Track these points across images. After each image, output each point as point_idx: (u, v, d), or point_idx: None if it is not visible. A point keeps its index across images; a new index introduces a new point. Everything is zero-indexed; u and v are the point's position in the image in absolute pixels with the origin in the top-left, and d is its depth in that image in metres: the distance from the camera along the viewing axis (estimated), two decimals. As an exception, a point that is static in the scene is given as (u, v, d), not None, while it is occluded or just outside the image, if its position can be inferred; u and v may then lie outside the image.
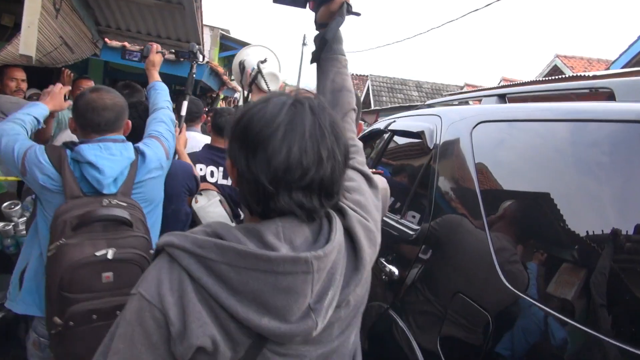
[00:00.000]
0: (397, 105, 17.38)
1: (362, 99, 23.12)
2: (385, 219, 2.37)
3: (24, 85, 3.64)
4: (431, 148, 2.16)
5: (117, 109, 1.84)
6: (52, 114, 2.28)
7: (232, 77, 3.04)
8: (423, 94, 22.02)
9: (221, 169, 2.67)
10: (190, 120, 3.33)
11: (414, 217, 2.16)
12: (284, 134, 0.85)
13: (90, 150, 1.73)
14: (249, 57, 2.56)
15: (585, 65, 15.29)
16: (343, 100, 1.28)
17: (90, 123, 1.80)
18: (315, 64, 1.40)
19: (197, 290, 0.81)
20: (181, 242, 0.83)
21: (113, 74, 7.89)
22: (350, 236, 0.96)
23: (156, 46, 2.48)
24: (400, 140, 2.87)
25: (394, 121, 3.04)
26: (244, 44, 10.85)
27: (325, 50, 1.36)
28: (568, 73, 14.39)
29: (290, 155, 0.84)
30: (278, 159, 0.84)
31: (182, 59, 2.58)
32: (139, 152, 1.88)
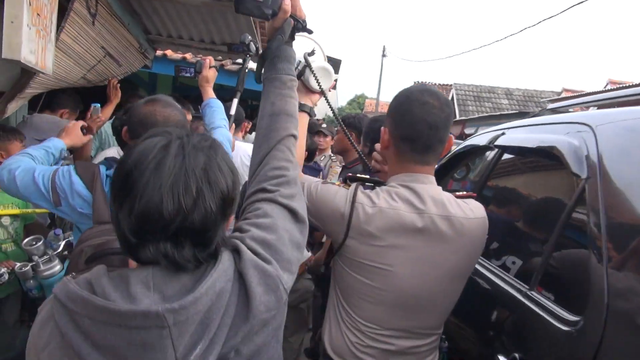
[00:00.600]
0: (486, 114, 16.14)
1: None
2: (490, 282, 1.65)
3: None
4: (580, 174, 1.32)
5: (168, 125, 1.59)
6: (90, 130, 2.26)
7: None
8: (514, 102, 20.64)
9: None
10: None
11: (561, 291, 1.33)
12: (148, 181, 0.81)
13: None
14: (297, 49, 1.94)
15: None
16: (279, 125, 1.20)
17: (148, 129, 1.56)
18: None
19: (62, 346, 0.81)
20: (59, 293, 0.81)
21: (183, 90, 7.63)
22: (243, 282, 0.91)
23: (209, 60, 2.34)
24: (513, 159, 2.02)
25: (502, 133, 2.19)
26: None
27: (268, 70, 1.28)
28: None
29: (150, 205, 0.80)
30: (138, 208, 0.81)
31: (234, 52, 2.48)
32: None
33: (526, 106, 20.13)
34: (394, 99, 1.51)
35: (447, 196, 1.43)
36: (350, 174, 1.54)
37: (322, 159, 5.11)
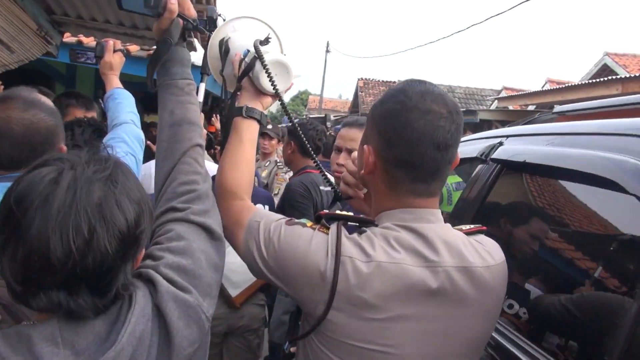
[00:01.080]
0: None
1: None
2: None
3: None
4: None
5: (35, 138, 1.24)
6: None
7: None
8: (456, 99, 19.41)
9: None
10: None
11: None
12: (32, 220, 0.71)
13: None
14: (238, 34, 1.43)
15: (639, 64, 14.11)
16: (182, 135, 1.10)
17: None
18: None
19: None
20: None
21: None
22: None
23: (113, 42, 2.01)
24: (528, 178, 1.56)
25: (500, 144, 1.73)
26: None
27: (161, 75, 1.17)
28: (621, 72, 13.35)
29: (35, 248, 0.71)
30: (22, 252, 0.71)
31: (197, 32, 1.54)
32: None
33: (467, 104, 20.49)
34: (380, 104, 1.08)
35: (459, 237, 1.06)
36: (325, 211, 1.09)
37: (266, 164, 4.55)
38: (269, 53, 1.24)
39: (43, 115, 1.27)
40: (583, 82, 7.17)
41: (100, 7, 3.10)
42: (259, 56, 1.20)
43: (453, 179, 5.72)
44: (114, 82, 1.97)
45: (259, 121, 1.24)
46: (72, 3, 3.09)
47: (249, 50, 1.26)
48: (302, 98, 51.46)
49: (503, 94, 16.22)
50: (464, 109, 12.12)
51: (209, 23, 1.52)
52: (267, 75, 1.20)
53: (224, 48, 1.39)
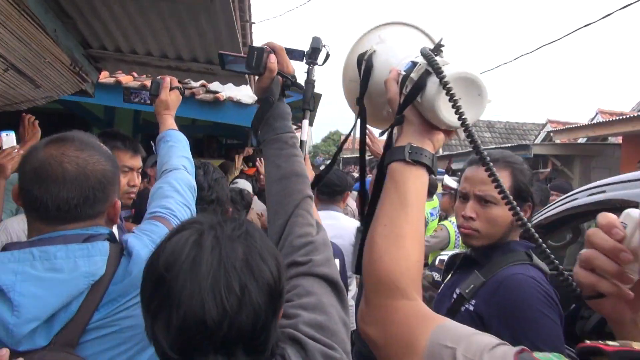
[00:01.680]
0: (462, 151, 15.49)
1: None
2: None
3: None
4: None
5: (89, 181, 1.08)
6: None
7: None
8: (496, 135, 20.29)
9: None
10: (330, 194, 2.92)
11: None
12: (184, 285, 0.72)
13: (8, 266, 0.98)
14: (386, 46, 1.08)
15: None
16: (292, 188, 1.11)
17: (35, 204, 1.06)
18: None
19: None
20: None
21: (149, 129, 6.46)
22: None
23: (170, 79, 1.82)
24: None
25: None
26: (296, 90, 9.46)
27: (265, 131, 1.19)
28: None
29: (190, 313, 0.71)
30: (177, 319, 0.71)
31: (296, 88, 1.40)
32: (123, 253, 1.10)
33: (509, 139, 19.74)
34: None
35: None
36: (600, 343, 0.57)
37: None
38: (450, 65, 0.84)
39: (100, 157, 1.12)
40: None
41: (143, 38, 2.70)
42: (434, 69, 0.82)
43: (431, 205, 5.03)
44: (169, 123, 1.78)
45: (429, 168, 0.88)
46: (111, 35, 2.69)
47: (414, 63, 0.89)
48: (333, 139, 51.47)
49: (548, 127, 15.42)
50: (517, 144, 11.45)
51: (313, 55, 1.38)
52: (448, 98, 0.81)
53: (366, 64, 1.07)
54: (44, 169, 1.05)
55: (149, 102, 1.88)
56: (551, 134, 14.90)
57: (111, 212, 1.17)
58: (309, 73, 1.53)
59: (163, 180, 1.52)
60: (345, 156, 29.54)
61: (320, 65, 1.42)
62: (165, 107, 1.78)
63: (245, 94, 4.10)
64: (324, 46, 1.48)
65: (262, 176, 6.48)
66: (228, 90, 4.17)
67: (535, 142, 15.22)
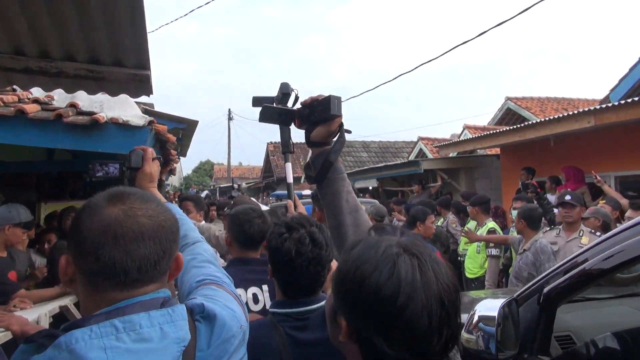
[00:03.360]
0: (354, 170, 15.59)
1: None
2: None
3: None
4: None
5: (165, 234, 1.00)
6: None
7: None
8: (372, 154, 20.94)
9: (265, 288, 2.27)
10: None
11: None
12: (417, 298, 0.83)
13: (94, 342, 0.88)
14: None
15: (539, 105, 15.16)
16: (361, 219, 1.37)
17: (112, 269, 0.94)
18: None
19: None
20: None
21: (61, 166, 4.99)
22: None
23: (151, 151, 1.68)
24: None
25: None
26: (170, 118, 8.42)
27: (331, 171, 1.38)
28: (525, 114, 14.03)
29: (427, 322, 0.83)
30: (419, 329, 0.82)
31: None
32: (202, 318, 1.04)
33: (384, 157, 20.46)
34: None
35: None
36: None
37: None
38: None
39: (164, 207, 1.05)
40: (550, 118, 7.01)
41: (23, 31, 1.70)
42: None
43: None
44: (158, 196, 1.56)
45: None
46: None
47: None
48: (205, 169, 49.53)
49: (420, 144, 16.17)
50: (407, 161, 11.65)
51: (283, 100, 1.61)
52: None
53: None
54: (118, 227, 0.94)
55: (116, 174, 1.69)
56: (424, 150, 15.74)
57: (173, 267, 1.06)
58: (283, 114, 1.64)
59: (192, 252, 1.44)
60: (222, 185, 28.23)
61: (291, 108, 1.52)
62: (150, 179, 1.65)
63: (133, 114, 3.15)
64: (293, 90, 1.61)
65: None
66: (109, 111, 3.19)
67: (410, 158, 15.91)
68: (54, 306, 3.09)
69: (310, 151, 1.53)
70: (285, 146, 1.80)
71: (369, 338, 0.84)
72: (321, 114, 1.38)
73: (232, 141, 35.76)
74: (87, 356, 0.85)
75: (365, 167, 13.28)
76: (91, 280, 0.95)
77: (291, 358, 1.44)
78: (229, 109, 31.13)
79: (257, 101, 1.65)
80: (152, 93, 2.14)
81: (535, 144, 8.17)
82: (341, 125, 1.38)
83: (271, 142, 26.15)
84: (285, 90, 1.61)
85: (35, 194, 5.96)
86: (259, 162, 32.73)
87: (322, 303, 1.54)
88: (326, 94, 1.39)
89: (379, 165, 12.85)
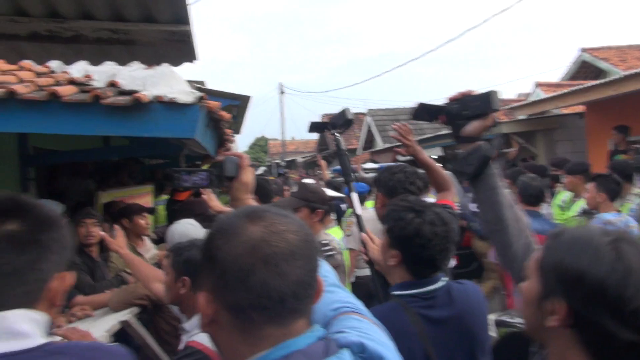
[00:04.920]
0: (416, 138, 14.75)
1: (364, 138, 21.39)
2: None
3: None
4: None
5: (314, 250, 0.89)
6: None
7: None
8: (437, 121, 19.80)
9: None
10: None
11: None
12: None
13: None
14: None
15: (619, 55, 13.66)
16: (519, 213, 1.40)
17: (260, 299, 0.80)
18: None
19: None
20: None
21: (40, 159, 4.79)
22: None
23: (246, 157, 1.54)
24: None
25: None
26: (222, 95, 8.01)
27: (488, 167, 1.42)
28: (602, 66, 12.75)
29: None
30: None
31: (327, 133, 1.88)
32: None
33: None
34: None
35: None
36: None
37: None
38: None
39: (301, 222, 0.93)
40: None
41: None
42: None
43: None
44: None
45: None
46: None
47: None
48: (260, 145, 49.79)
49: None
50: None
51: (345, 125, 1.95)
52: None
53: None
54: (266, 246, 0.81)
55: (205, 184, 1.53)
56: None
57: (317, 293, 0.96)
58: (340, 143, 1.95)
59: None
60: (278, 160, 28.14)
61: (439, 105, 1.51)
62: (246, 190, 1.47)
63: (180, 89, 2.68)
64: (351, 117, 1.88)
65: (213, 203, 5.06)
66: (152, 88, 2.74)
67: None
68: (113, 323, 2.76)
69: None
70: (348, 175, 1.89)
71: (596, 321, 0.88)
72: (477, 109, 1.39)
73: (285, 115, 35.51)
74: None
75: (428, 135, 12.43)
76: (241, 316, 0.82)
77: (427, 337, 1.50)
78: (280, 83, 30.74)
79: (314, 127, 1.78)
80: (196, 58, 1.66)
81: (628, 98, 7.14)
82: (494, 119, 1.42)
83: (326, 114, 25.61)
84: (349, 116, 1.77)
85: (94, 183, 5.75)
86: (312, 135, 32.40)
87: (444, 281, 1.67)
88: (476, 89, 1.41)
89: (444, 132, 11.98)
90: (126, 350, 1.08)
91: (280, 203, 3.25)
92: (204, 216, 3.51)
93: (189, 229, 3.03)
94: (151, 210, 4.77)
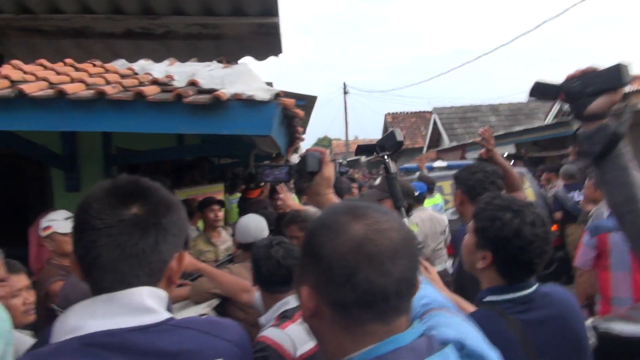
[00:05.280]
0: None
1: (429, 136, 20.99)
2: None
3: None
4: None
5: (414, 247, 0.90)
6: None
7: None
8: (502, 117, 19.17)
9: None
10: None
11: None
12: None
13: None
14: None
15: None
16: None
17: (365, 297, 0.82)
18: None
19: None
20: None
21: (123, 158, 5.03)
22: None
23: (328, 153, 1.57)
24: None
25: None
26: (289, 95, 8.03)
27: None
28: None
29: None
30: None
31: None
32: (466, 356, 0.89)
33: (516, 120, 18.60)
34: None
35: None
36: None
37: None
38: None
39: (399, 219, 0.96)
40: None
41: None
42: None
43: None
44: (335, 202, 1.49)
45: None
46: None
47: None
48: (323, 145, 50.13)
49: (561, 103, 14.17)
50: (556, 122, 10.17)
51: (393, 148, 1.77)
52: None
53: None
54: (371, 245, 0.82)
55: (286, 178, 1.59)
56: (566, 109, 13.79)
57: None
58: (389, 166, 1.81)
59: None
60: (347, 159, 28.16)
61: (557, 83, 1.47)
62: (328, 185, 1.52)
63: (257, 87, 2.69)
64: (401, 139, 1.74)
65: (279, 201, 5.06)
66: (230, 86, 2.78)
67: (548, 119, 14.07)
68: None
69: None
70: (398, 199, 1.82)
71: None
72: (605, 84, 1.31)
73: (348, 115, 35.46)
74: None
75: (502, 133, 11.93)
76: (344, 312, 0.84)
77: (530, 342, 1.44)
78: (344, 83, 30.76)
79: (361, 150, 1.78)
80: (281, 51, 1.64)
81: None
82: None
83: (389, 113, 25.33)
84: (399, 138, 1.71)
85: (169, 181, 6.00)
86: (376, 134, 32.09)
87: (537, 284, 1.59)
88: (582, 66, 1.36)
89: (518, 129, 11.44)
90: (236, 323, 1.12)
91: (365, 195, 3.27)
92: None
93: (252, 221, 3.17)
94: (221, 203, 4.96)
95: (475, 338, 0.94)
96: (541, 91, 1.44)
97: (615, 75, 1.30)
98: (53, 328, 0.96)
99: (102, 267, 0.96)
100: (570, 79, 1.38)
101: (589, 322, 2.48)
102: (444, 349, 0.85)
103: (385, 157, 1.79)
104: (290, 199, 3.13)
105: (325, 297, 0.83)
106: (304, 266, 0.88)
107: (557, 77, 1.43)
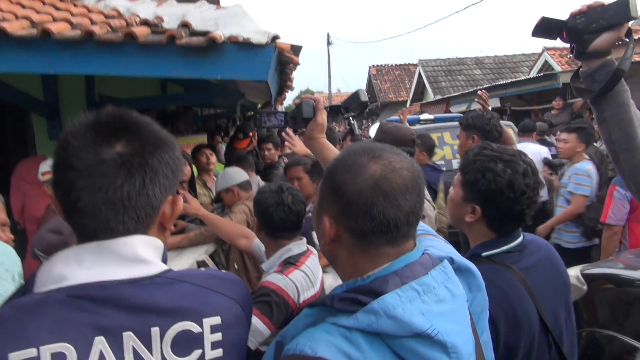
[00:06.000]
0: (467, 89, 14.18)
1: (413, 89, 20.83)
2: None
3: None
4: None
5: (422, 184, 1.02)
6: None
7: None
8: (487, 71, 19.08)
9: None
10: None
11: None
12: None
13: (409, 307, 0.89)
14: None
15: None
16: None
17: (381, 227, 0.95)
18: None
19: None
20: None
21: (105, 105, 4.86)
22: None
23: (321, 100, 1.67)
24: None
25: None
26: None
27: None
28: None
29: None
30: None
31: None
32: (456, 270, 1.07)
33: (500, 73, 18.55)
34: None
35: None
36: None
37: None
38: None
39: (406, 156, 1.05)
40: None
41: None
42: None
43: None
44: (328, 145, 1.62)
45: None
46: None
47: None
48: (305, 98, 49.47)
49: (545, 56, 14.11)
50: (542, 74, 10.15)
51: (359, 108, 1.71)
52: None
53: None
54: (387, 183, 0.95)
55: (282, 124, 1.68)
56: (550, 63, 13.75)
57: None
58: (353, 127, 1.82)
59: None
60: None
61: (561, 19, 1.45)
62: (321, 130, 1.63)
63: (253, 29, 2.59)
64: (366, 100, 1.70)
65: (266, 152, 5.00)
66: (225, 28, 2.66)
67: (532, 72, 14.05)
68: (191, 262, 2.82)
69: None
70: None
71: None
72: (612, 19, 1.28)
73: (332, 67, 34.88)
74: (413, 321, 0.87)
75: (486, 85, 11.90)
76: (362, 239, 0.96)
77: (531, 289, 1.45)
78: (327, 34, 30.04)
79: (328, 112, 1.70)
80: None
81: None
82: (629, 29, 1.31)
83: (373, 65, 24.96)
84: (363, 98, 1.68)
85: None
86: (360, 86, 31.77)
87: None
88: None
89: (504, 81, 11.41)
90: (238, 278, 1.06)
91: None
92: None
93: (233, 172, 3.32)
94: (212, 147, 5.18)
95: (459, 256, 1.12)
96: (545, 28, 1.40)
97: (622, 10, 1.26)
98: (36, 275, 0.87)
99: (83, 212, 0.85)
100: (575, 16, 1.35)
101: (578, 269, 2.55)
102: (442, 262, 1.01)
103: (350, 118, 1.79)
104: (300, 143, 3.05)
105: (345, 226, 0.96)
106: (325, 200, 1.00)
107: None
